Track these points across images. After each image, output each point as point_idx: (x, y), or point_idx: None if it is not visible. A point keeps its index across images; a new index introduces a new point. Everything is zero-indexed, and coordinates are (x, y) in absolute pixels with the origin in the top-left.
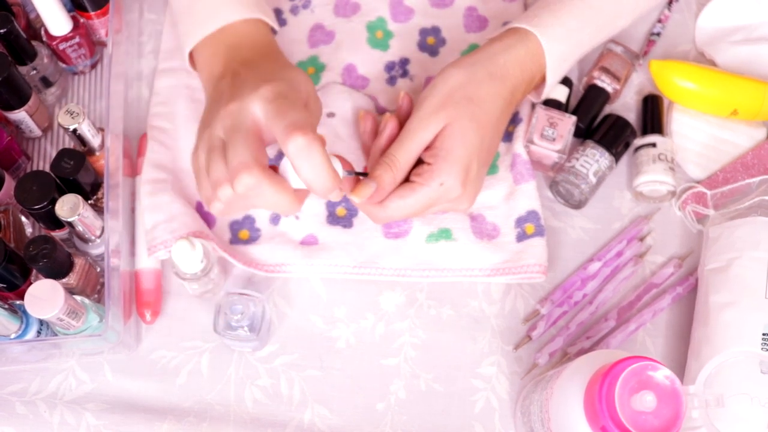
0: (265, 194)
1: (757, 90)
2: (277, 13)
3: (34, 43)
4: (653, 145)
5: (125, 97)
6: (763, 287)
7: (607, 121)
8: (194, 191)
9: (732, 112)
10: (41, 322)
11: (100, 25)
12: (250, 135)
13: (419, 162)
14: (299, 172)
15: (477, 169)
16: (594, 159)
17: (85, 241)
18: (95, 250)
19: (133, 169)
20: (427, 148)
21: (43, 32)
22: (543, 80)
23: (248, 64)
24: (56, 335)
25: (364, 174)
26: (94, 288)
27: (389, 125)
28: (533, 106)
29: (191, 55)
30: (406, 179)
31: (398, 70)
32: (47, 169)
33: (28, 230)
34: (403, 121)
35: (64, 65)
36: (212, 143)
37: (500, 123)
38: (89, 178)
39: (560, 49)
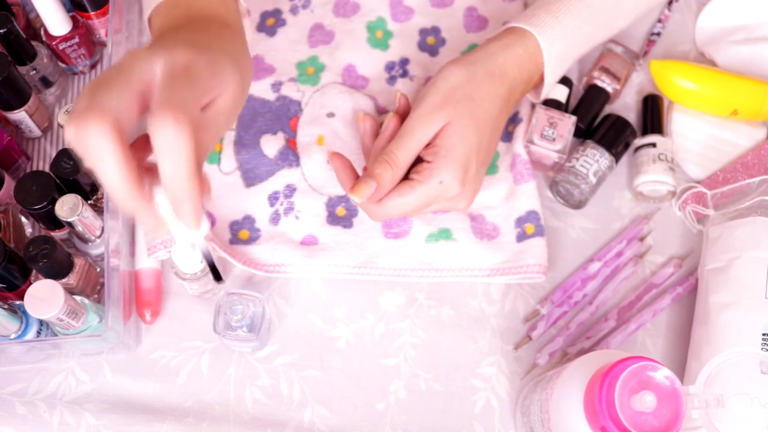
0: (102, 158)
1: (757, 90)
2: (277, 13)
3: (33, 43)
4: (653, 145)
5: None
6: (763, 287)
7: (607, 121)
8: None
9: (732, 112)
10: (41, 322)
11: (99, 25)
12: (130, 84)
13: (418, 160)
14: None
15: (476, 168)
16: (594, 159)
17: (85, 241)
18: (95, 250)
19: None
20: (426, 146)
21: (42, 32)
22: (541, 80)
23: (195, 29)
24: (56, 335)
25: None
26: (94, 288)
27: (390, 124)
28: (533, 106)
29: (149, 23)
30: (405, 177)
31: (398, 70)
32: (47, 169)
33: (28, 230)
34: (401, 121)
35: (63, 65)
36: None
37: (499, 122)
38: (89, 178)
39: (558, 48)
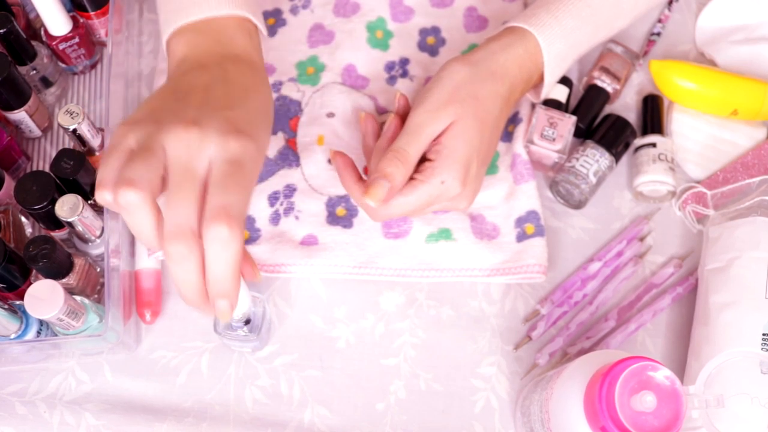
0: (139, 219)
1: (757, 90)
2: (277, 13)
3: (33, 43)
4: (653, 145)
5: (125, 97)
6: (763, 287)
7: (607, 121)
8: None
9: (732, 112)
10: (41, 322)
11: (99, 25)
12: (199, 190)
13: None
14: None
15: (477, 167)
16: (594, 159)
17: (85, 241)
18: (95, 250)
19: None
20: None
21: (42, 32)
22: (541, 79)
23: (229, 74)
24: (56, 335)
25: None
26: (94, 288)
27: (392, 125)
28: (533, 106)
29: (168, 46)
30: None
31: (398, 70)
32: (47, 169)
33: (28, 230)
34: (402, 122)
35: (63, 65)
36: (152, 145)
37: (499, 122)
38: (89, 178)
39: (558, 48)
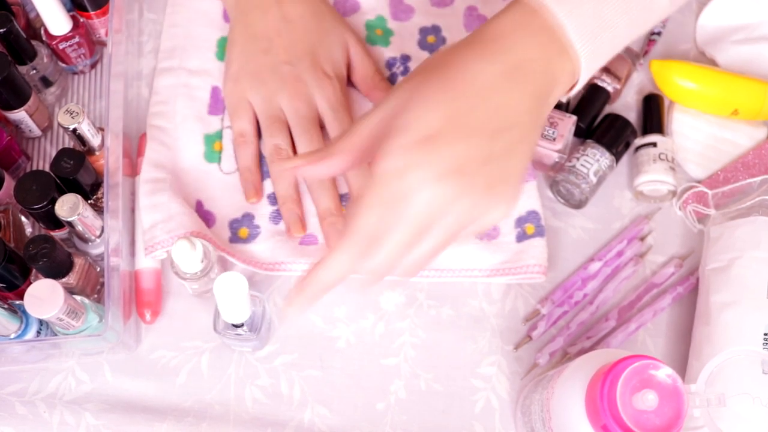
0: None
1: (757, 89)
2: None
3: (33, 42)
4: (654, 144)
5: (125, 97)
6: (764, 287)
7: (607, 121)
8: (193, 190)
9: (733, 112)
10: (41, 322)
11: (100, 24)
12: (318, 126)
13: None
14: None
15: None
16: (594, 159)
17: (85, 240)
18: (95, 250)
19: (133, 169)
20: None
21: (42, 32)
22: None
23: (284, 7)
24: (56, 335)
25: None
26: (94, 288)
27: None
28: None
29: None
30: None
31: (399, 66)
32: (47, 168)
33: (28, 230)
34: None
35: (63, 65)
36: (274, 107)
37: (505, 97)
38: (89, 177)
39: (586, 20)
